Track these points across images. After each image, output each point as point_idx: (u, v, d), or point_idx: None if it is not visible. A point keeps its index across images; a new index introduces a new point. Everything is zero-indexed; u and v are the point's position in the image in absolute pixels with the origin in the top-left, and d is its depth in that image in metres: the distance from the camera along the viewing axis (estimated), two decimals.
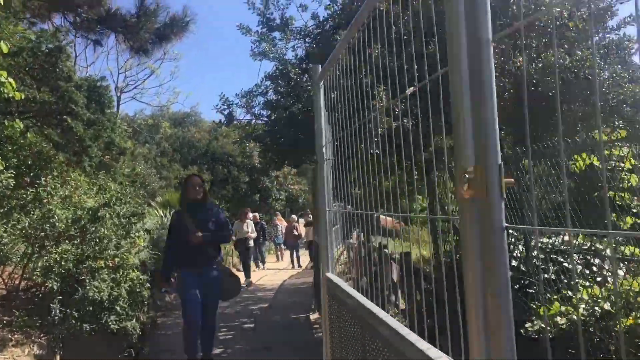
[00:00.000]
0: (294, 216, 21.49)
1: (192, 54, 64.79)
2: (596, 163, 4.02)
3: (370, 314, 2.32)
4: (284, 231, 20.88)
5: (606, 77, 7.00)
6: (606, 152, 3.98)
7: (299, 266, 19.18)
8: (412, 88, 1.84)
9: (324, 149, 3.37)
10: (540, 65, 6.34)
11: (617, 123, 7.54)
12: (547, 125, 7.38)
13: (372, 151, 2.70)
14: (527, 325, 3.98)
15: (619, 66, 7.13)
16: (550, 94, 6.86)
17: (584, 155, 4.23)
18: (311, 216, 21.64)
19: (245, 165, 30.62)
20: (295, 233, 19.43)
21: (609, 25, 7.35)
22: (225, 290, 5.54)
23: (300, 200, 35.17)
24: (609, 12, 7.34)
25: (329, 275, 3.32)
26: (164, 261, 5.59)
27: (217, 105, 8.45)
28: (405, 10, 7.14)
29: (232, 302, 11.03)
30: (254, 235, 15.00)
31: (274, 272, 18.05)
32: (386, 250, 9.59)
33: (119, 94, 21.90)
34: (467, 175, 1.20)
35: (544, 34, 7.02)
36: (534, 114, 7.00)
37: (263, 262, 18.30)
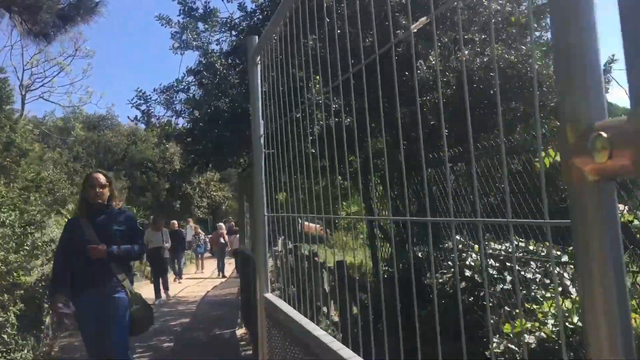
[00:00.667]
0: (221, 224, 20.75)
1: (107, 52, 61.82)
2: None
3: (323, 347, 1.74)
4: (204, 239, 20.01)
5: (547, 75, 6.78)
6: None
7: (224, 276, 18.48)
8: (424, 18, 1.23)
9: (261, 140, 2.72)
10: (485, 60, 5.97)
11: (557, 123, 7.35)
12: (485, 124, 7.08)
13: (306, 150, 2.32)
14: (494, 344, 3.49)
15: None
16: (492, 92, 6.54)
17: (551, 152, 3.82)
18: (233, 223, 20.92)
19: (165, 171, 29.31)
20: (222, 241, 18.88)
21: (548, 23, 7.16)
22: (135, 321, 4.22)
23: (223, 207, 34.20)
24: (547, 9, 7.14)
25: (268, 296, 2.67)
26: (53, 277, 4.36)
27: (132, 100, 7.57)
28: None
29: None
30: (168, 245, 13.31)
31: (197, 282, 17.12)
32: (317, 259, 9.01)
33: (23, 92, 20.08)
34: (602, 134, 0.60)
35: (485, 29, 6.71)
36: (473, 112, 6.66)
37: (180, 275, 17.00)
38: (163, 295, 12.59)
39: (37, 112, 59.10)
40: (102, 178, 4.31)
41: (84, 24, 5.98)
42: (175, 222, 16.54)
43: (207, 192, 30.54)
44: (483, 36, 6.64)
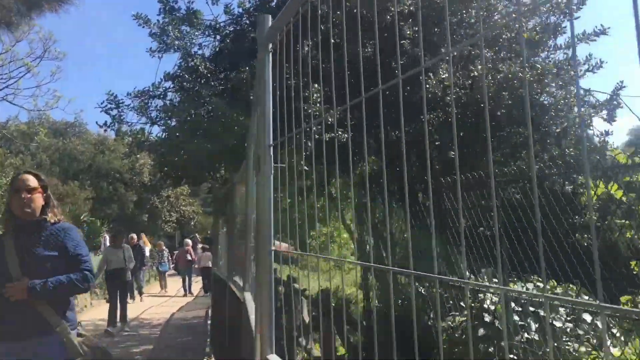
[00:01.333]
0: (188, 240, 20.00)
1: (78, 56, 60.17)
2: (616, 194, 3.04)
3: None
4: (167, 256, 18.97)
5: (558, 97, 6.30)
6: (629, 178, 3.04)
7: (190, 294, 18.14)
8: None
9: (271, 150, 2.07)
10: (499, 77, 5.45)
11: (556, 152, 6.87)
12: (482, 149, 6.55)
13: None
14: None
15: (570, 87, 6.47)
16: (499, 113, 6.02)
17: (600, 184, 3.25)
18: (199, 239, 20.11)
19: (133, 182, 28.26)
20: (189, 258, 18.26)
21: (558, 44, 6.72)
22: None
23: (192, 223, 33.25)
24: (558, 29, 6.70)
25: (272, 358, 1.99)
26: None
27: (102, 104, 6.81)
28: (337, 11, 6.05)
29: (107, 342, 9.23)
30: (132, 265, 11.08)
31: (161, 302, 16.19)
32: (296, 285, 8.31)
33: None
34: None
35: (494, 45, 6.22)
36: (480, 134, 6.13)
37: (140, 293, 15.78)
38: (119, 324, 10.43)
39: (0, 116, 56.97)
40: (31, 180, 3.06)
41: (52, 12, 5.25)
42: (134, 235, 15.23)
43: (176, 207, 29.53)
44: (490, 53, 6.15)
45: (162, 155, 7.62)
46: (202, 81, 6.27)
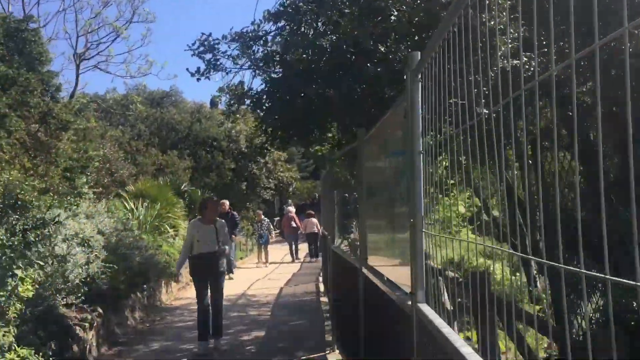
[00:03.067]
0: (291, 208, 19.29)
1: (170, 17, 59.74)
2: None
3: None
4: (267, 226, 17.88)
5: None
6: None
7: (298, 259, 18.17)
8: None
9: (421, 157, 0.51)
10: None
11: None
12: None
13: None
14: None
15: None
16: None
17: None
18: (291, 208, 19.40)
19: (231, 150, 27.65)
20: (294, 225, 18.15)
21: None
22: None
23: (290, 189, 32.52)
24: None
25: None
26: None
27: (193, 45, 5.45)
28: None
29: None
30: (227, 249, 7.48)
31: (269, 272, 15.44)
32: (428, 262, 6.78)
33: (78, 62, 18.45)
34: None
35: None
36: None
37: (231, 271, 12.94)
38: (212, 341, 7.08)
39: (97, 88, 58.10)
40: None
41: None
42: (226, 202, 13.22)
43: (274, 173, 28.74)
44: None
45: (266, 110, 6.21)
46: (319, 5, 4.73)
